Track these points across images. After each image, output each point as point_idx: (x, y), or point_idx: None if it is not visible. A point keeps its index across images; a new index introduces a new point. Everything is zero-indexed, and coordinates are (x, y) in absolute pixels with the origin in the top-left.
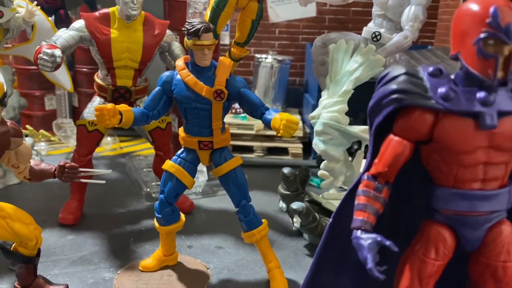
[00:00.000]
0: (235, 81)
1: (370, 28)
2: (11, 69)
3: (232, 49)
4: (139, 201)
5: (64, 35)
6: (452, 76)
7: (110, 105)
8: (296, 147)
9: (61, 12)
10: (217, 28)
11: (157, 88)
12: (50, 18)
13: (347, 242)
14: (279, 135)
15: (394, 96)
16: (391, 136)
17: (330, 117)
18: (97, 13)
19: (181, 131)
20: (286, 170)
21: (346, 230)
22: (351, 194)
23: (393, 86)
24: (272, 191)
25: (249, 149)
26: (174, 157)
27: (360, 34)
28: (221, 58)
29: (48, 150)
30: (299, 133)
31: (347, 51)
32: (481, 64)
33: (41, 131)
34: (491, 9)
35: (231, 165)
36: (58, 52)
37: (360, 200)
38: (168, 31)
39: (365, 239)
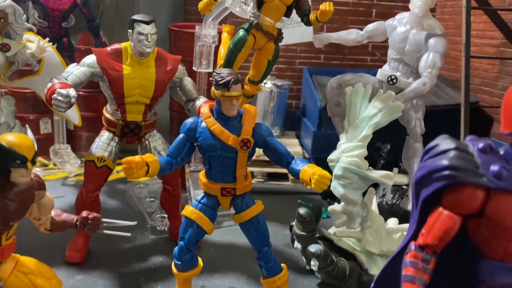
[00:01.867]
0: (261, 130)
1: (385, 71)
2: (13, 99)
3: (245, 86)
4: (144, 234)
5: (76, 71)
6: (502, 152)
7: (138, 158)
8: None
9: (65, 40)
10: (233, 68)
11: (181, 136)
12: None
13: None
14: (308, 187)
15: (446, 172)
16: (441, 209)
17: (350, 162)
18: (108, 49)
19: (202, 177)
20: (302, 211)
21: None
22: (394, 261)
23: (444, 162)
24: (277, 221)
25: None
26: (194, 203)
27: (356, 63)
28: (246, 105)
29: (43, 176)
30: None
31: (365, 95)
32: None
33: (39, 158)
34: None
35: (253, 212)
36: (73, 93)
37: (408, 271)
38: (180, 66)
39: None
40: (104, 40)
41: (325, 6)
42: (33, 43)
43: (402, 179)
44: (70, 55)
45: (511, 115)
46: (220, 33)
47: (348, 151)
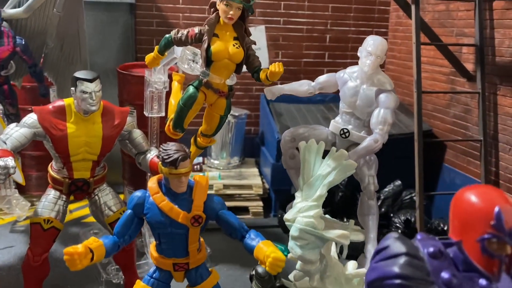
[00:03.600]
0: (213, 203)
1: (338, 123)
2: None
3: (198, 139)
4: None
5: (15, 134)
6: (451, 254)
7: (81, 248)
8: (257, 206)
9: (5, 87)
10: (184, 124)
11: (128, 212)
12: None
13: None
14: (263, 266)
15: (397, 281)
16: None
17: (306, 223)
18: (50, 106)
19: (153, 251)
20: (260, 269)
21: None
22: None
23: (395, 269)
24: (238, 263)
25: None
26: (146, 277)
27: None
28: (196, 177)
29: None
30: (259, 191)
31: (318, 152)
32: (486, 261)
33: None
34: (495, 211)
35: (208, 285)
36: (11, 163)
37: None
38: (128, 118)
39: None
40: (50, 80)
41: (275, 68)
42: None
43: (358, 237)
44: (12, 102)
45: (460, 223)
46: (170, 74)
47: (304, 211)
